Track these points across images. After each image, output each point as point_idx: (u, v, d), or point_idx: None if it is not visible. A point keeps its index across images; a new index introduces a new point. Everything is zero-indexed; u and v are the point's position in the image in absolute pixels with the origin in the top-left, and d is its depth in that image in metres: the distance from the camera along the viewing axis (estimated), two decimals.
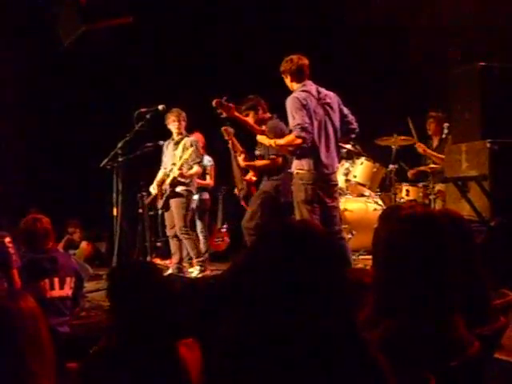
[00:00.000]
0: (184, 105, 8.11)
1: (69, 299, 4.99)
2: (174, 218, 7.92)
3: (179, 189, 7.86)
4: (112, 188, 7.59)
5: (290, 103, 5.97)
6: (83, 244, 9.97)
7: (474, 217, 6.33)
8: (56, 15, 8.41)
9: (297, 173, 6.02)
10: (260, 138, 6.57)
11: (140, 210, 8.60)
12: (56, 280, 4.89)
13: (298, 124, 5.86)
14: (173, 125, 7.94)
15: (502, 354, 3.94)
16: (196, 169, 7.98)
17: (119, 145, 7.49)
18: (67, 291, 4.95)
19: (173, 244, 8.00)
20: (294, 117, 5.91)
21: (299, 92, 6.03)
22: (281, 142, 6.18)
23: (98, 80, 10.13)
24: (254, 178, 7.32)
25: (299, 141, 5.88)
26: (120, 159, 7.49)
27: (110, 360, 2.45)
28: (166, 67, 10.36)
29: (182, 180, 7.84)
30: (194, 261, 7.96)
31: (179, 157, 7.83)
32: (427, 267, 2.20)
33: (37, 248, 4.89)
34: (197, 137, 8.42)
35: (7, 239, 4.70)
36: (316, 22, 9.89)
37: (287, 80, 6.18)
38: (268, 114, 7.09)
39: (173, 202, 7.89)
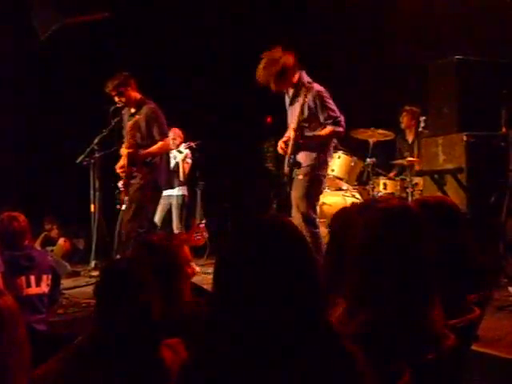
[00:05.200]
0: (163, 100, 8.09)
1: (45, 296, 4.94)
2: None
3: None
4: (89, 184, 7.56)
5: (323, 94, 6.00)
6: (61, 241, 9.89)
7: None
8: (32, 8, 8.35)
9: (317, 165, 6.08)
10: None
11: (118, 206, 8.55)
12: (32, 277, 4.84)
13: (339, 116, 6.00)
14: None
15: (480, 346, 3.97)
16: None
17: (95, 140, 7.46)
18: (44, 288, 4.91)
19: None
20: (334, 109, 5.99)
21: (316, 84, 6.08)
22: (322, 134, 6.11)
23: (73, 74, 10.06)
24: None
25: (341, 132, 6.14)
26: (97, 155, 7.46)
27: (84, 359, 2.43)
28: (146, 62, 10.31)
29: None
30: None
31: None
32: (402, 258, 2.20)
33: (13, 246, 4.85)
34: (175, 132, 8.41)
35: None
36: (289, 10, 9.92)
37: (289, 72, 6.04)
38: (139, 94, 6.91)
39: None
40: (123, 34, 10.18)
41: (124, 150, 6.70)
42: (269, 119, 10.98)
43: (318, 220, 6.20)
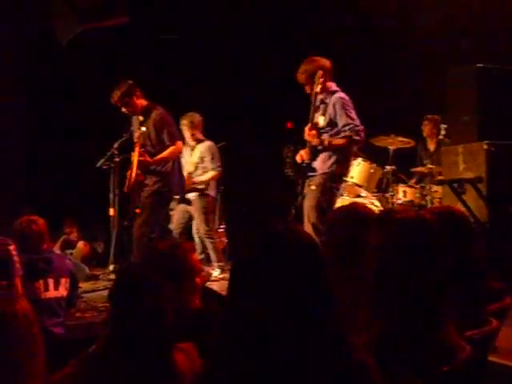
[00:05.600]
0: (184, 105, 8.12)
1: (63, 300, 4.98)
2: (181, 219, 8.05)
3: (192, 195, 7.90)
4: (109, 188, 7.59)
5: (344, 101, 5.97)
6: (80, 244, 9.93)
7: (471, 219, 6.32)
8: (53, 14, 8.40)
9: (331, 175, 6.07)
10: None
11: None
12: (51, 281, 4.88)
13: (358, 125, 5.96)
14: (185, 130, 7.96)
15: (498, 357, 3.93)
16: (211, 174, 7.99)
17: (115, 145, 7.48)
18: (62, 292, 4.94)
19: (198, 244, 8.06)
20: (353, 118, 5.94)
21: (342, 92, 6.06)
22: (339, 141, 6.06)
23: (96, 79, 10.10)
24: None
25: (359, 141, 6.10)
26: (116, 159, 7.48)
27: (99, 363, 2.44)
28: (166, 68, 10.34)
29: (197, 186, 7.91)
30: (215, 264, 7.99)
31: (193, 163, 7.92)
32: (418, 270, 2.19)
33: (31, 249, 4.88)
34: None
35: (12, 247, 4.66)
36: (315, 22, 9.89)
37: (319, 78, 6.03)
38: (145, 101, 6.93)
39: (192, 208, 7.98)
40: (142, 36, 10.21)
41: (134, 159, 6.73)
42: (289, 125, 10.98)
43: None
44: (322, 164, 6.03)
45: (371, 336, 2.10)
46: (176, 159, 7.08)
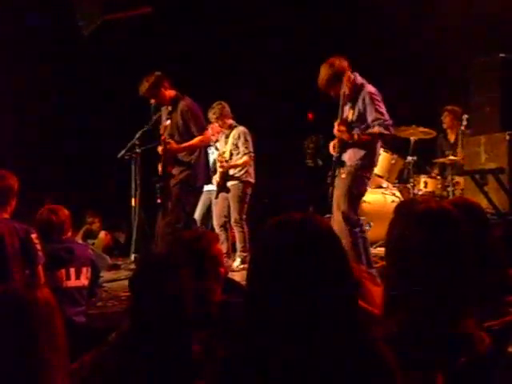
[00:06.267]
0: (204, 96, 8.12)
1: (85, 289, 5.01)
2: (223, 208, 8.14)
3: (231, 183, 8.06)
4: (130, 179, 7.63)
5: (373, 95, 5.94)
6: (102, 234, 10.01)
7: (491, 209, 6.29)
8: (76, 4, 8.44)
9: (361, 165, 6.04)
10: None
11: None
12: (72, 270, 4.91)
13: (387, 120, 5.92)
14: (215, 122, 8.16)
15: None
16: (244, 159, 8.08)
17: (137, 135, 7.52)
18: (83, 281, 4.97)
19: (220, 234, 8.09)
20: (383, 112, 5.91)
21: (370, 85, 6.05)
22: (368, 137, 6.01)
23: (117, 69, 10.14)
24: None
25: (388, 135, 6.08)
26: (138, 150, 7.52)
27: (118, 352, 2.46)
28: (188, 57, 10.34)
29: (233, 173, 8.02)
30: (238, 253, 8.08)
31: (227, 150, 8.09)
32: (440, 262, 2.18)
33: (53, 238, 4.92)
34: (213, 129, 8.41)
35: (34, 235, 4.70)
36: (329, 13, 9.87)
37: (346, 81, 5.99)
38: (173, 91, 6.92)
39: (228, 195, 8.13)
40: (164, 28, 10.22)
41: (160, 149, 6.78)
42: (310, 116, 10.96)
43: (359, 220, 6.13)
44: (352, 156, 6.02)
45: (390, 329, 2.10)
46: (203, 150, 7.10)
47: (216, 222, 8.27)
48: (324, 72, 5.98)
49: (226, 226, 8.23)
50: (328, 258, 1.67)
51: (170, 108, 6.84)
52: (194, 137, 6.76)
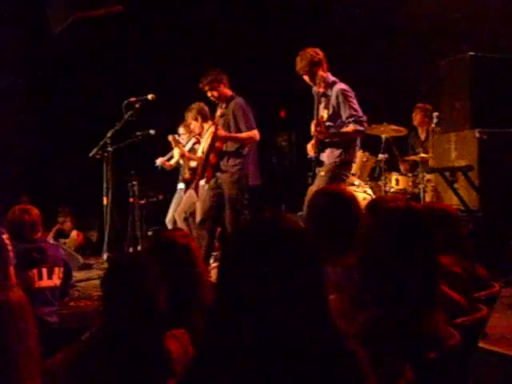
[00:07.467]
0: (172, 93, 8.12)
1: (57, 289, 4.98)
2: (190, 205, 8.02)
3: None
4: (102, 177, 7.59)
5: (346, 93, 6.00)
6: (74, 233, 9.97)
7: (461, 207, 6.36)
8: (46, 3, 8.38)
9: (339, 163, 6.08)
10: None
11: (131, 199, 8.58)
12: (44, 270, 4.87)
13: (361, 116, 5.99)
14: (194, 124, 8.17)
15: (488, 343, 3.98)
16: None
17: (108, 134, 7.47)
18: (56, 281, 4.94)
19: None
20: (356, 109, 5.97)
21: (342, 83, 6.09)
22: (344, 134, 6.11)
23: (87, 71, 10.09)
24: None
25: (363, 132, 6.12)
26: (109, 148, 7.48)
27: (91, 351, 2.46)
28: (154, 56, 10.32)
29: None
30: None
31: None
32: (408, 259, 2.21)
33: (24, 238, 4.88)
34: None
35: (5, 235, 4.66)
36: (304, 10, 9.90)
37: (319, 71, 6.09)
38: (230, 91, 6.99)
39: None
40: (136, 27, 10.19)
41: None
42: (283, 113, 10.97)
43: None
44: (330, 155, 6.09)
45: (358, 324, 2.12)
46: (252, 149, 7.15)
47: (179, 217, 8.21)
48: (304, 55, 6.09)
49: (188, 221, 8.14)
50: (297, 257, 1.68)
51: (223, 106, 6.94)
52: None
